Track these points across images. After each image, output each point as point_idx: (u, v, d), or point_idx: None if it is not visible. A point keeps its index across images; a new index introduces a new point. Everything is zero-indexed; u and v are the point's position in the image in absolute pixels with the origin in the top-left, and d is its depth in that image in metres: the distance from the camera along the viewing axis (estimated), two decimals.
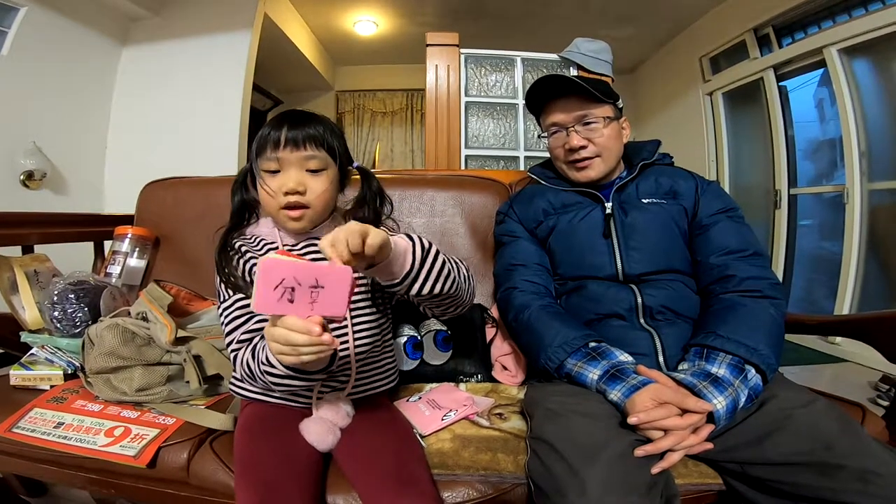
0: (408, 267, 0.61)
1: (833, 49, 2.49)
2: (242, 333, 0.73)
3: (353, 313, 0.77)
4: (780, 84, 2.97)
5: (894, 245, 2.39)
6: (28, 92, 2.22)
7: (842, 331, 0.96)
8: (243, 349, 0.71)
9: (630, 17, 3.42)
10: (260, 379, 0.67)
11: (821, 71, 2.75)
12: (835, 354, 2.41)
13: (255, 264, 0.75)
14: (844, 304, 2.50)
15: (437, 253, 0.65)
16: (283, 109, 0.91)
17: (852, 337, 0.89)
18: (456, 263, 0.70)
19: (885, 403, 1.70)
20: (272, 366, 0.63)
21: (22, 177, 2.16)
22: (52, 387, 0.89)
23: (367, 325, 0.79)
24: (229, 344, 0.74)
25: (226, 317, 0.75)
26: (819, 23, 2.66)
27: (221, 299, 0.77)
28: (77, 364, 0.90)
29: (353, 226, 0.54)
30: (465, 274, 0.72)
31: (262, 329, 0.69)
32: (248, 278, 0.75)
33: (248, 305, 0.73)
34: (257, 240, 0.80)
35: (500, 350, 1.06)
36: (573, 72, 1.90)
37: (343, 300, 0.52)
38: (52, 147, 2.28)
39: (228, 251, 0.77)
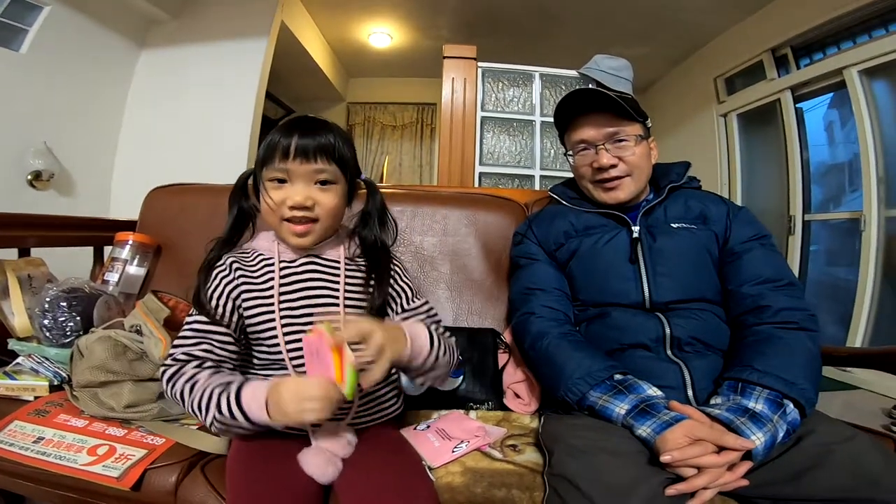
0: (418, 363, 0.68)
1: (854, 70, 2.45)
2: (182, 353, 0.68)
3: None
4: (797, 106, 2.93)
5: None
6: (43, 91, 2.20)
7: (872, 363, 0.92)
8: (177, 372, 0.67)
9: (646, 36, 3.41)
10: (196, 412, 0.64)
11: (831, 94, 2.72)
12: (846, 381, 2.36)
13: (242, 288, 0.71)
14: (858, 333, 2.44)
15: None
16: None
17: (882, 369, 0.86)
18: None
19: None
20: (246, 418, 0.61)
21: (29, 177, 2.14)
22: (35, 398, 0.84)
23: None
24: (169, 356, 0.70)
25: (181, 330, 0.71)
26: (839, 43, 2.62)
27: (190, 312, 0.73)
28: (64, 375, 0.85)
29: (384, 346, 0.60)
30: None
31: (203, 357, 0.68)
32: (223, 301, 0.70)
33: (205, 330, 0.69)
34: (254, 254, 0.76)
35: (513, 377, 1.00)
36: None
37: (326, 368, 0.57)
38: (63, 148, 2.25)
39: (216, 267, 0.73)
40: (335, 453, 0.66)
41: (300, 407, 0.57)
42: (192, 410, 0.65)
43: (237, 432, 0.64)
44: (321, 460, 0.65)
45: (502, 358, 1.03)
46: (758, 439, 0.62)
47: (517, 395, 0.98)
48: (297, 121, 0.71)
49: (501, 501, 0.67)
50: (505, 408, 0.97)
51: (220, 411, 0.62)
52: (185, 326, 0.71)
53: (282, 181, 0.69)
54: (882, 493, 0.56)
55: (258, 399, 0.61)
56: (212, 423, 0.63)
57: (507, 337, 1.05)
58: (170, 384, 0.67)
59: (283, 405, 0.58)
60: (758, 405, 0.67)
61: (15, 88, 2.07)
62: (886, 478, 0.58)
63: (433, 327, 0.74)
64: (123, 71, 2.67)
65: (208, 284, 0.71)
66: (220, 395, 0.62)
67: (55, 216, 1.23)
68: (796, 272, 2.89)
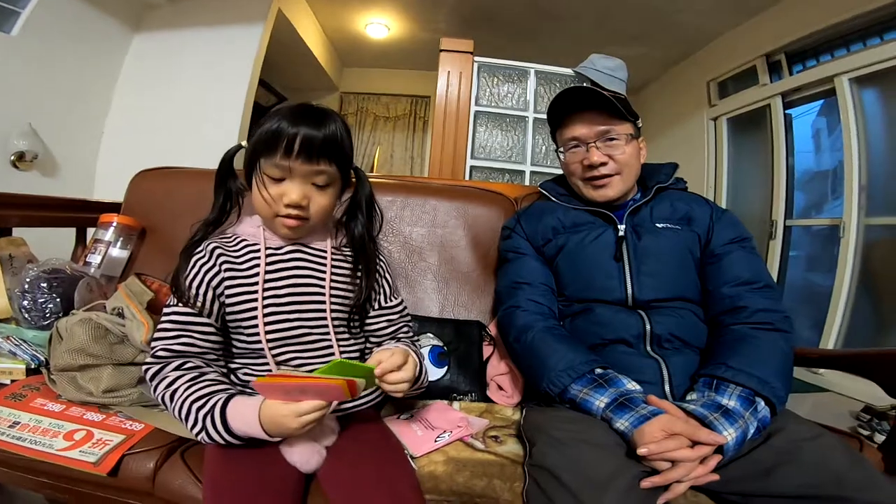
0: None
1: (844, 78, 2.46)
2: (163, 349, 0.68)
3: (338, 338, 0.75)
4: (786, 112, 2.94)
5: (887, 281, 2.38)
6: (33, 73, 2.17)
7: (843, 365, 0.95)
8: (157, 373, 0.66)
9: (642, 37, 3.43)
10: (180, 420, 0.64)
11: (821, 101, 2.74)
12: (817, 384, 2.41)
13: (224, 275, 0.70)
14: (831, 337, 2.48)
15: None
16: None
17: (853, 372, 0.88)
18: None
19: (866, 433, 1.77)
20: (237, 438, 0.62)
21: (12, 157, 2.11)
22: (12, 381, 0.83)
23: (349, 349, 0.77)
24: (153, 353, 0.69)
25: (160, 321, 0.70)
26: (832, 51, 2.64)
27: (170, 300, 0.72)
28: (42, 358, 0.84)
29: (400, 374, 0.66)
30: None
31: (184, 351, 0.68)
32: (203, 290, 0.69)
33: (185, 321, 0.69)
34: (237, 240, 0.74)
35: (497, 369, 1.01)
36: None
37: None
38: (49, 130, 2.22)
39: (195, 253, 0.71)
40: (319, 442, 0.67)
41: (301, 422, 0.59)
42: (175, 417, 0.65)
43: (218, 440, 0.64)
44: (306, 449, 0.65)
45: (487, 350, 1.04)
46: (729, 435, 0.64)
47: (500, 388, 0.99)
48: (302, 113, 0.68)
49: (482, 491, 0.68)
50: (488, 399, 0.98)
51: (209, 436, 0.62)
52: (164, 318, 0.70)
53: (280, 178, 0.68)
54: (847, 490, 0.57)
55: (249, 423, 0.61)
56: (197, 435, 0.63)
57: (492, 329, 1.06)
58: (152, 385, 0.67)
59: (283, 422, 0.59)
60: (731, 402, 0.69)
61: (3, 70, 2.03)
62: (851, 475, 0.59)
63: (411, 343, 0.80)
64: (115, 54, 2.63)
65: (187, 271, 0.70)
66: (205, 417, 0.62)
67: (39, 196, 1.20)
68: (775, 276, 2.93)
